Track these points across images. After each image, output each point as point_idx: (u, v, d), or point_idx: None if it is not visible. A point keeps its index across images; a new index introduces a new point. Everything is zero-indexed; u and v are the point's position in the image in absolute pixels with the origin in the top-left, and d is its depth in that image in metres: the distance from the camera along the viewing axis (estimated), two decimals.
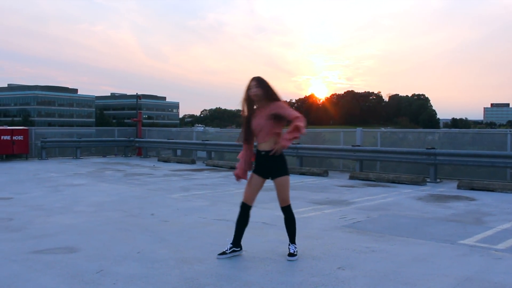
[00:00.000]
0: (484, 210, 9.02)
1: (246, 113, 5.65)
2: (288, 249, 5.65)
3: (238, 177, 5.79)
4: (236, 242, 5.71)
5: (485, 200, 10.30)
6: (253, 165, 5.72)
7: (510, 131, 14.50)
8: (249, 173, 5.77)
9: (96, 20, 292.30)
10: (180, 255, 5.70)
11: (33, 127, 24.33)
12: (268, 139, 5.49)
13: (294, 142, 17.58)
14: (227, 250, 5.66)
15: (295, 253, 5.59)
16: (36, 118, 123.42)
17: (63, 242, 6.34)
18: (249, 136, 5.67)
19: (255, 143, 5.76)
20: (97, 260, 5.49)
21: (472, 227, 7.50)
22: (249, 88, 5.55)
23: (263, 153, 5.54)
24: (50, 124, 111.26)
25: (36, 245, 6.16)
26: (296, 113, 5.42)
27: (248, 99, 5.59)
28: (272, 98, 5.51)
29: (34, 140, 22.38)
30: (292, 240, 5.68)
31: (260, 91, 5.49)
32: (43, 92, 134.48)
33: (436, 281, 4.79)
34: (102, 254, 5.74)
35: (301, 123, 5.32)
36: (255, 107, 5.65)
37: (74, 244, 6.22)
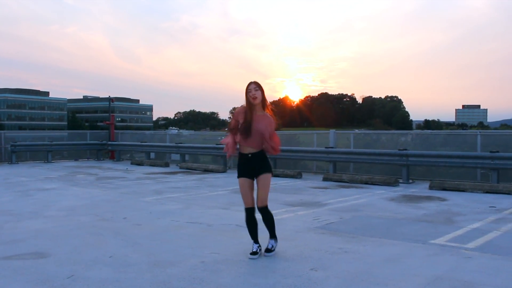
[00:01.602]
0: (455, 210, 9.15)
1: (248, 115, 5.68)
2: (267, 244, 5.85)
3: (228, 149, 5.82)
4: (258, 241, 5.85)
5: (456, 200, 10.46)
6: (238, 170, 5.85)
7: (480, 132, 14.75)
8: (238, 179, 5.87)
9: (68, 21, 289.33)
10: (153, 259, 5.65)
11: (2, 131, 23.90)
12: (258, 145, 5.70)
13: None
14: (257, 250, 5.77)
15: (272, 248, 5.81)
16: (6, 122, 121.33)
17: (33, 248, 6.24)
18: (248, 133, 5.67)
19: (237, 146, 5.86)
20: (68, 265, 5.41)
21: (443, 227, 7.61)
22: (249, 91, 5.68)
23: (249, 155, 5.70)
24: (21, 128, 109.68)
25: (4, 251, 6.04)
26: (278, 141, 5.77)
27: (249, 102, 5.70)
28: (265, 105, 5.76)
29: (4, 144, 21.99)
30: (272, 234, 5.89)
31: (260, 95, 5.68)
32: (13, 95, 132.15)
33: (407, 281, 4.84)
34: (73, 259, 5.66)
35: (276, 152, 5.78)
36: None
37: (44, 250, 6.12)
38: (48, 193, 11.69)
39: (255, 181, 5.80)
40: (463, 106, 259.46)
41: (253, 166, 5.72)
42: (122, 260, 5.62)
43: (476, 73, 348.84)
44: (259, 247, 5.80)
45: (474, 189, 11.86)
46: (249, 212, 5.79)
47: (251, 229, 5.84)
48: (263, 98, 5.72)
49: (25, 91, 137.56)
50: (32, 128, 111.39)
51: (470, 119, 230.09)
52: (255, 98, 5.64)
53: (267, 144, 5.70)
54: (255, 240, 5.83)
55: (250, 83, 5.71)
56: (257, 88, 5.67)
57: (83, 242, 6.54)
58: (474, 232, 7.15)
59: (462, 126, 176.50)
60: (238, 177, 5.82)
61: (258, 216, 5.76)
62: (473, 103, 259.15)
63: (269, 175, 5.77)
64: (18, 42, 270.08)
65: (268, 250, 5.80)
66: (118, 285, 4.71)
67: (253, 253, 5.72)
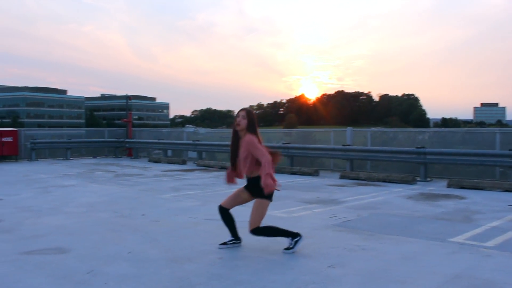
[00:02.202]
0: (473, 209, 9.08)
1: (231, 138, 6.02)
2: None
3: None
4: (235, 236, 6.08)
5: (475, 198, 10.38)
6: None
7: (499, 130, 14.61)
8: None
9: (85, 20, 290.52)
10: (171, 255, 5.70)
11: (22, 128, 24.19)
12: (248, 172, 5.84)
13: (285, 142, 17.63)
14: (228, 241, 6.03)
15: (291, 246, 5.84)
16: (25, 120, 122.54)
17: (53, 243, 6.33)
18: (235, 160, 5.99)
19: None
20: (88, 260, 5.48)
21: (461, 225, 7.56)
22: (237, 116, 5.86)
23: (247, 178, 5.93)
24: (39, 126, 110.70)
25: (26, 246, 6.14)
26: (265, 157, 5.62)
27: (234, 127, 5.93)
28: (251, 131, 5.80)
29: (24, 142, 22.27)
30: (287, 235, 5.90)
31: (245, 123, 5.79)
32: (32, 94, 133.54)
33: (425, 278, 4.82)
34: (93, 255, 5.73)
35: (266, 171, 5.52)
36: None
37: (64, 245, 6.20)
38: (67, 189, 11.82)
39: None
40: (482, 104, 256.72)
41: (254, 189, 5.82)
42: (140, 256, 5.67)
43: (494, 71, 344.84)
44: (233, 241, 6.05)
45: (493, 187, 11.75)
46: (220, 210, 6.03)
47: (227, 225, 6.06)
48: (251, 125, 5.79)
49: (44, 89, 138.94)
50: (51, 126, 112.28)
51: (489, 117, 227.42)
52: (238, 125, 5.81)
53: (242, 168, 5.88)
54: (233, 235, 6.07)
55: (241, 110, 5.88)
56: (245, 117, 5.80)
57: (102, 238, 6.62)
58: (493, 231, 7.09)
59: (480, 124, 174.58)
60: (244, 186, 6.02)
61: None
62: (491, 101, 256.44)
63: (267, 201, 5.78)
64: (36, 41, 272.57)
65: (287, 248, 5.83)
66: (137, 280, 4.76)
67: (223, 243, 6.02)
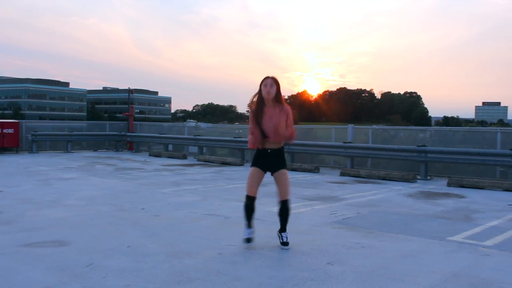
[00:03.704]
0: (473, 208, 9.09)
1: (256, 106, 5.88)
2: (281, 238, 5.94)
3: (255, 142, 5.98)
4: (251, 225, 6.00)
5: (475, 197, 10.38)
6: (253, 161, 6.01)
7: (500, 129, 14.60)
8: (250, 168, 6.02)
9: (89, 13, 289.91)
10: (170, 250, 5.71)
11: (23, 120, 24.22)
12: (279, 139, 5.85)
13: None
14: (250, 236, 5.96)
15: (288, 241, 5.89)
16: (26, 111, 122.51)
17: (53, 236, 6.34)
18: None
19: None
20: (87, 253, 5.49)
21: (461, 224, 7.56)
22: (265, 85, 5.77)
23: (269, 150, 5.86)
24: (41, 118, 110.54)
25: (26, 238, 6.15)
26: (293, 129, 5.91)
27: (261, 95, 5.84)
28: (280, 101, 5.85)
29: (25, 134, 22.27)
30: (284, 228, 5.97)
31: (274, 91, 5.79)
32: (34, 85, 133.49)
33: (424, 277, 4.83)
34: (92, 248, 5.74)
35: (292, 139, 5.96)
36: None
37: (64, 238, 6.22)
38: (68, 182, 11.84)
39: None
40: (483, 103, 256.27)
41: (273, 163, 5.87)
42: (140, 250, 5.68)
43: (497, 70, 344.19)
44: (253, 231, 5.98)
45: (493, 186, 11.76)
46: (250, 200, 5.91)
47: (248, 214, 5.95)
48: (279, 93, 5.83)
49: (46, 82, 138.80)
50: (52, 118, 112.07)
51: (490, 116, 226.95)
52: (269, 93, 5.77)
53: (282, 135, 5.80)
54: (249, 225, 5.97)
55: (268, 77, 5.81)
56: (273, 84, 5.78)
57: (102, 232, 6.63)
58: (493, 230, 7.10)
59: (482, 123, 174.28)
60: (252, 166, 5.94)
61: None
62: (493, 100, 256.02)
63: (287, 171, 5.94)
64: (40, 33, 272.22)
65: (285, 244, 5.85)
66: (136, 274, 4.77)
67: (248, 240, 5.91)
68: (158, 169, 15.59)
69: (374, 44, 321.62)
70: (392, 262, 5.33)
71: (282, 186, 5.88)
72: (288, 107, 5.87)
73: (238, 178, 13.25)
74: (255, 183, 5.90)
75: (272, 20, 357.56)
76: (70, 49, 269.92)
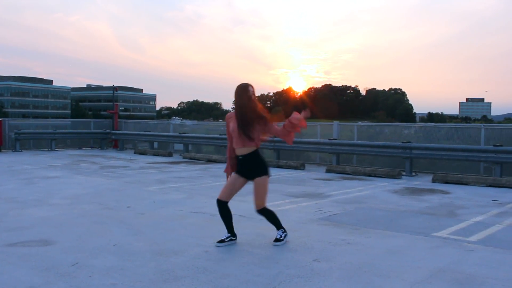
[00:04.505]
0: (457, 203, 9.16)
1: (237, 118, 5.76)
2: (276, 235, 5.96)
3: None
4: (231, 232, 5.93)
5: (459, 193, 10.47)
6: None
7: (483, 125, 14.74)
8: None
9: (72, 10, 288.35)
10: (156, 248, 5.69)
11: (6, 119, 23.91)
12: (249, 145, 5.72)
13: (271, 136, 17.61)
14: (225, 239, 5.87)
15: (281, 238, 5.90)
16: (9, 109, 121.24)
17: (38, 235, 6.28)
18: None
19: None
20: (73, 252, 5.45)
21: (445, 219, 7.63)
22: (249, 91, 5.67)
23: (241, 157, 5.77)
24: (24, 116, 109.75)
25: (10, 238, 6.09)
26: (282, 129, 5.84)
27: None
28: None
29: (8, 132, 22.00)
30: (278, 227, 5.98)
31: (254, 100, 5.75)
32: (17, 83, 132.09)
33: (410, 273, 4.87)
34: (78, 247, 5.70)
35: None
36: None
37: (49, 237, 6.17)
38: (52, 181, 11.74)
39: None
40: (467, 99, 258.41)
41: (249, 169, 5.78)
42: (126, 248, 5.66)
43: (480, 66, 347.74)
44: (230, 238, 5.89)
45: (477, 182, 11.87)
46: (219, 204, 5.83)
47: (224, 220, 5.89)
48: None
49: (29, 79, 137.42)
50: (36, 116, 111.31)
51: (474, 112, 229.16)
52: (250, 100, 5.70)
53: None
54: (229, 230, 5.91)
55: (251, 85, 5.72)
56: (254, 92, 5.75)
57: (87, 230, 6.58)
58: (477, 226, 7.17)
59: (466, 119, 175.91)
60: (235, 172, 5.90)
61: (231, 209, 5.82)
62: (477, 96, 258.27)
63: (264, 179, 5.76)
64: (22, 30, 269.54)
65: (277, 240, 5.88)
66: (122, 273, 4.74)
67: (220, 241, 5.84)
68: (144, 167, 15.52)
69: (359, 41, 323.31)
70: (378, 259, 5.36)
71: (254, 196, 5.80)
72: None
73: (224, 175, 13.20)
74: (226, 187, 5.84)
75: (257, 17, 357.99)
76: (53, 46, 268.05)
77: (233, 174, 5.89)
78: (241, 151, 5.73)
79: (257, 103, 5.73)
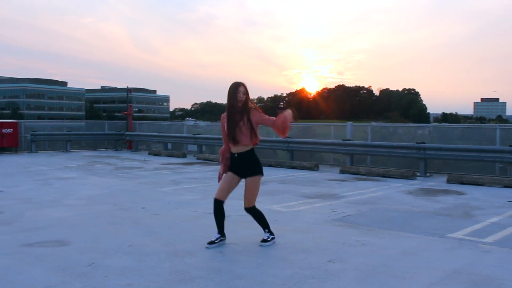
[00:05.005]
0: (473, 204, 9.10)
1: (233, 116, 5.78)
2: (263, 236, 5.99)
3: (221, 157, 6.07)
4: (221, 232, 5.95)
5: (474, 194, 10.39)
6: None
7: (499, 125, 14.61)
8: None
9: (85, 12, 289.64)
10: (171, 248, 5.72)
11: (22, 120, 24.20)
12: (248, 143, 5.75)
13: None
14: (216, 240, 5.86)
15: (268, 239, 5.92)
16: (25, 111, 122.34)
17: (54, 235, 6.34)
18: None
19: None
20: (88, 253, 5.50)
21: (461, 220, 7.57)
22: (238, 92, 5.70)
23: (236, 155, 5.80)
24: (39, 117, 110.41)
25: (27, 238, 6.16)
26: (273, 118, 5.72)
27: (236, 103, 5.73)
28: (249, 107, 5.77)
29: (24, 133, 22.27)
30: (265, 227, 6.02)
31: (245, 98, 5.74)
32: (32, 85, 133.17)
33: (424, 274, 4.84)
34: (93, 247, 5.75)
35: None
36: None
37: (65, 237, 6.22)
38: (68, 182, 11.84)
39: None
40: (482, 99, 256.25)
41: (243, 167, 5.81)
42: (141, 249, 5.69)
43: (495, 66, 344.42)
44: (220, 238, 5.90)
45: (493, 183, 11.77)
46: (217, 204, 5.84)
47: (217, 220, 5.91)
48: (248, 98, 5.77)
49: (44, 81, 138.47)
50: (51, 117, 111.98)
51: (489, 112, 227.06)
52: (241, 101, 5.71)
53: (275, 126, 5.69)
54: (220, 231, 5.92)
55: (242, 85, 5.73)
56: (245, 92, 5.72)
57: (102, 231, 6.64)
58: (493, 227, 7.11)
59: (480, 119, 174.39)
60: (229, 171, 5.91)
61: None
62: (492, 96, 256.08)
63: (257, 178, 5.81)
64: (37, 32, 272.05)
65: (264, 240, 5.90)
66: (138, 273, 4.77)
67: (210, 242, 5.82)
68: (158, 168, 15.59)
69: (372, 41, 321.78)
70: (392, 260, 5.34)
71: (246, 193, 5.82)
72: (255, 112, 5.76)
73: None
74: (223, 187, 5.85)
75: (269, 17, 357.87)
76: (67, 48, 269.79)
77: (228, 173, 5.91)
78: (237, 149, 5.77)
79: (249, 102, 5.76)
